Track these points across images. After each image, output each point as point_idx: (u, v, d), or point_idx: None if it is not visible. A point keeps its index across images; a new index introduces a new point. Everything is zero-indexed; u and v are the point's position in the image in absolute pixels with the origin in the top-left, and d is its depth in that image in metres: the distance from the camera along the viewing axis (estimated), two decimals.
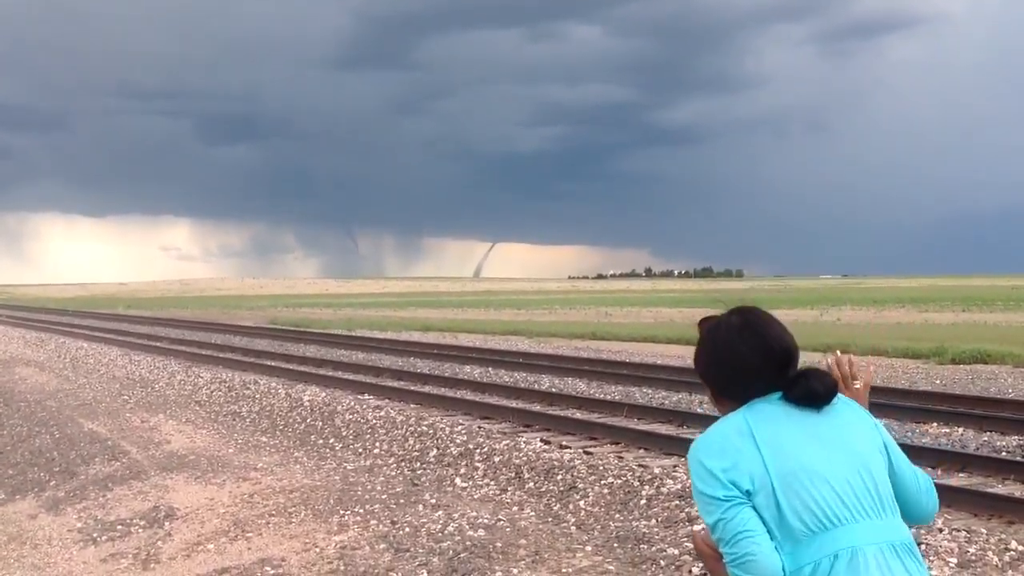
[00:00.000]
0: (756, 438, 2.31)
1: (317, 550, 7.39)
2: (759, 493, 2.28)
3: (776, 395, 2.39)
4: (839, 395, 2.43)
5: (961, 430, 12.09)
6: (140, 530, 8.55)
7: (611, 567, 6.98)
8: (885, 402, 13.70)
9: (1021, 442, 11.16)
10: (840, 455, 2.33)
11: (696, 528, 2.50)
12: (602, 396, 15.95)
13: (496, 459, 10.72)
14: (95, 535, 8.53)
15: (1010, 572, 6.49)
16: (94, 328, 41.89)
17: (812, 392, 2.36)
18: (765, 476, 2.28)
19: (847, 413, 2.43)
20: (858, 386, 2.62)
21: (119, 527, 8.70)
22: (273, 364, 22.75)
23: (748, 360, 2.40)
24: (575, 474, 9.72)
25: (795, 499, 2.27)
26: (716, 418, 2.48)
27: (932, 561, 6.68)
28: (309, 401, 15.41)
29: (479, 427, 12.73)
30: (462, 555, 7.05)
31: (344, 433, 13.13)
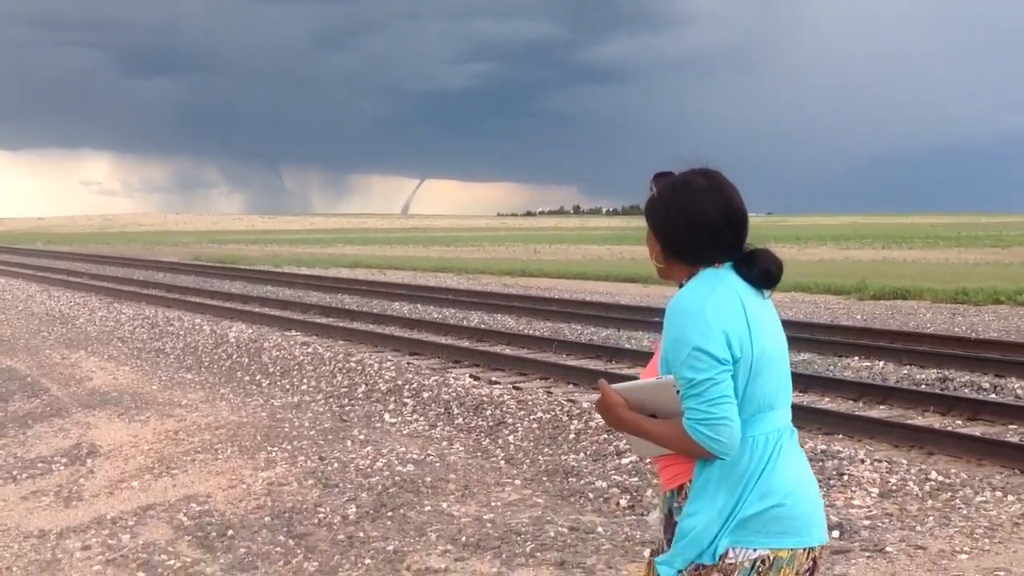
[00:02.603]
0: (747, 313, 2.38)
1: (244, 486, 7.30)
2: (738, 365, 2.37)
3: (729, 266, 2.44)
4: None
5: (882, 363, 12.33)
6: (62, 468, 8.37)
7: (540, 500, 7.01)
8: (808, 337, 13.94)
9: (940, 375, 11.42)
10: (779, 343, 2.48)
11: (604, 381, 2.51)
12: (531, 332, 15.98)
13: (425, 395, 10.69)
14: (15, 473, 8.33)
15: (930, 501, 6.65)
16: (11, 264, 40.80)
17: (769, 274, 2.43)
18: (749, 352, 2.37)
19: (771, 302, 2.53)
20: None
21: (40, 464, 8.51)
22: (198, 300, 22.39)
23: (714, 223, 2.42)
24: (504, 409, 9.73)
25: (757, 380, 2.39)
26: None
27: (854, 491, 6.83)
28: (235, 338, 15.20)
29: (408, 363, 12.68)
30: (391, 490, 7.03)
31: (271, 369, 12.99)
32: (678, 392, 2.38)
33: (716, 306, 2.35)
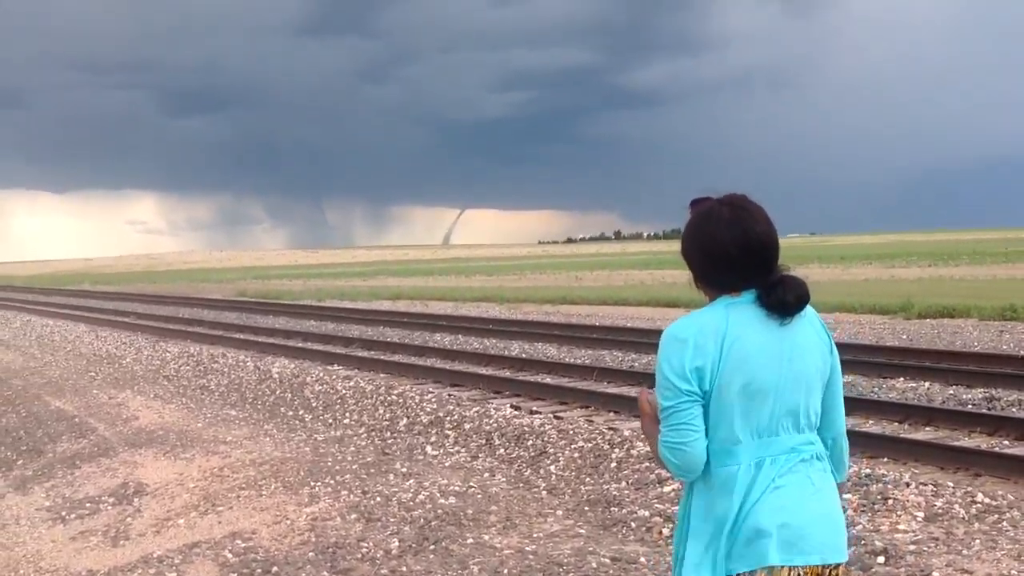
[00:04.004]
0: (725, 343, 2.46)
1: (288, 522, 7.36)
2: (709, 396, 2.49)
3: (752, 294, 2.52)
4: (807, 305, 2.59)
5: (927, 384, 12.19)
6: (109, 507, 8.48)
7: (582, 530, 7.00)
8: (852, 358, 13.79)
9: (986, 395, 11.27)
10: (791, 373, 2.52)
11: (646, 389, 2.67)
12: (572, 360, 15.96)
13: (466, 426, 10.71)
14: (64, 513, 8.46)
15: (976, 524, 6.55)
16: (60, 305, 41.45)
17: (784, 303, 2.49)
18: (716, 381, 2.47)
19: (808, 328, 2.58)
20: None
21: (88, 504, 8.63)
22: (242, 337, 22.60)
23: (730, 253, 2.51)
24: (545, 439, 9.73)
25: (735, 411, 2.48)
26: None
27: (899, 515, 6.74)
28: (278, 373, 15.33)
29: (449, 395, 12.72)
30: (433, 523, 7.05)
31: (314, 404, 13.08)
32: None
33: (695, 339, 2.47)
